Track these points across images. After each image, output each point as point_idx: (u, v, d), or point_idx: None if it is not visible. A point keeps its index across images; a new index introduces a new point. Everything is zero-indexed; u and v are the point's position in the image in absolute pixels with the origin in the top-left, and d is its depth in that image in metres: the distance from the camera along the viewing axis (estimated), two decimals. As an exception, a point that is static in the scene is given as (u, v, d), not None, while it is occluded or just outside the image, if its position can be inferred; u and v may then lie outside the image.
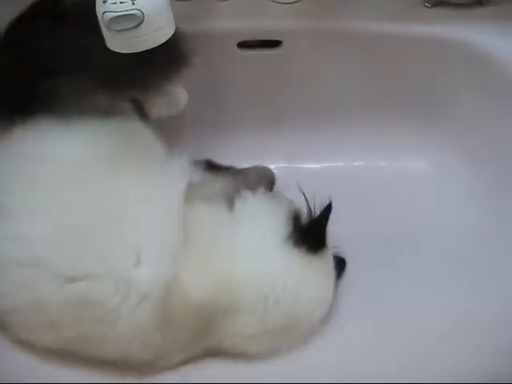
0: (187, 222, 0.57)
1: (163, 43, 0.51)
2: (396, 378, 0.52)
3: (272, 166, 0.75)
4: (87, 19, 0.51)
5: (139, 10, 0.48)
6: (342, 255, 0.64)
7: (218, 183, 0.66)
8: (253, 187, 0.65)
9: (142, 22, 0.48)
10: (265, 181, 0.70)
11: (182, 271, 0.53)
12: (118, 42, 0.50)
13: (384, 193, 0.78)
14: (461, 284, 0.64)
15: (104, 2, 0.48)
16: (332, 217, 0.59)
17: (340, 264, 0.63)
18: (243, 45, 0.74)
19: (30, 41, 0.58)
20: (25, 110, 0.59)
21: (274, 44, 0.74)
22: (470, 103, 0.75)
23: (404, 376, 0.52)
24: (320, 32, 0.73)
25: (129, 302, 0.51)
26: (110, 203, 0.56)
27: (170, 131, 0.68)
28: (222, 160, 0.75)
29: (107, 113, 0.62)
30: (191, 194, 0.60)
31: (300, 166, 0.82)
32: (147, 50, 0.50)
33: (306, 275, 0.58)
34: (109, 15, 0.48)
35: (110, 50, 0.51)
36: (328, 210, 0.59)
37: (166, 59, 0.58)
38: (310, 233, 0.59)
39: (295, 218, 0.60)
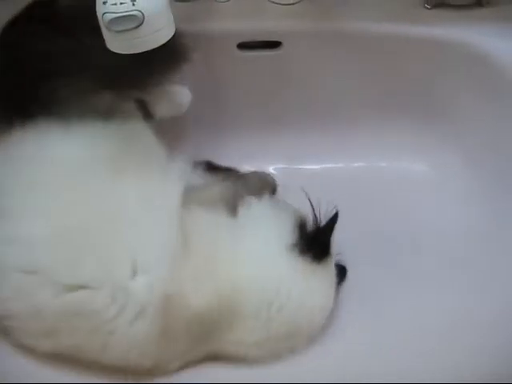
0: (185, 226, 0.56)
1: (163, 44, 0.51)
2: (396, 378, 0.52)
3: (272, 167, 0.75)
4: (82, 21, 0.51)
5: (139, 11, 0.48)
6: (343, 263, 0.63)
7: (217, 188, 0.66)
8: (253, 193, 0.64)
9: (142, 22, 0.48)
10: (266, 187, 0.70)
11: (181, 278, 0.53)
12: (118, 43, 0.50)
13: (384, 193, 0.78)
14: (461, 284, 0.64)
15: (104, 3, 0.48)
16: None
17: (341, 272, 0.63)
18: (243, 46, 0.73)
19: (25, 43, 0.58)
20: (24, 113, 0.59)
21: (273, 45, 0.74)
22: (470, 104, 0.75)
23: (404, 376, 0.52)
24: (320, 33, 0.73)
25: (126, 313, 0.51)
26: (109, 206, 0.55)
27: (170, 132, 0.68)
28: (222, 161, 0.75)
29: (108, 114, 0.61)
30: (189, 198, 0.59)
31: (300, 166, 0.82)
32: (147, 51, 0.50)
33: (310, 284, 0.58)
34: (109, 16, 0.48)
35: (110, 51, 0.51)
36: (334, 219, 0.58)
37: (166, 59, 0.58)
38: (315, 242, 0.59)
39: (301, 225, 0.60)
